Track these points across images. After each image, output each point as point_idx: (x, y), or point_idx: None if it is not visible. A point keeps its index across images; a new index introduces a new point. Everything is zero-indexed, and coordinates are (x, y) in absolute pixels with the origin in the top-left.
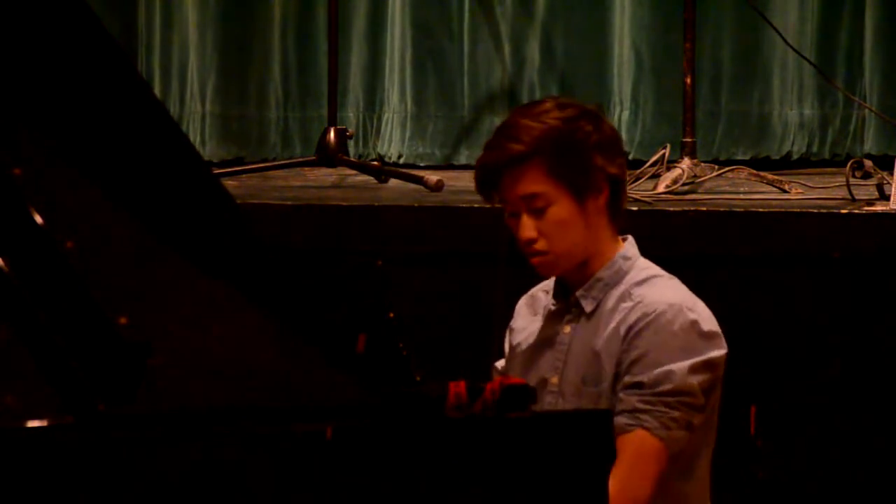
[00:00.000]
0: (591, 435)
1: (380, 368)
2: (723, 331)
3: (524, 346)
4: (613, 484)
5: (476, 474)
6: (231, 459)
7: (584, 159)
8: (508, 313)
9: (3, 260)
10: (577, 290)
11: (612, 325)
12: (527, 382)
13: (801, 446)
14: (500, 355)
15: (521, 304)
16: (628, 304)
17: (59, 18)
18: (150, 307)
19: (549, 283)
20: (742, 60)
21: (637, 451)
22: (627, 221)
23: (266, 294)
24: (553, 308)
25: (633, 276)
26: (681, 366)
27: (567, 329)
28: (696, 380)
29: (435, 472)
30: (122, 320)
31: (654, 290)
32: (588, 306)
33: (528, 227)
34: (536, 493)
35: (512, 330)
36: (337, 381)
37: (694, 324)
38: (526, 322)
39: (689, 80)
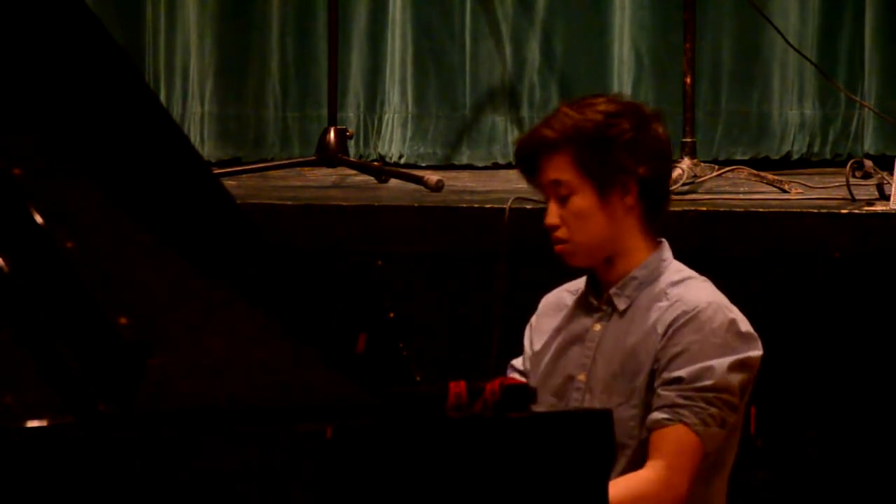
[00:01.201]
0: (592, 435)
1: (380, 368)
2: None
3: (551, 345)
4: (652, 478)
5: (476, 474)
6: (231, 459)
7: (611, 156)
8: (508, 313)
9: (3, 260)
10: (609, 288)
11: (649, 322)
12: (527, 383)
13: (801, 446)
14: (508, 354)
15: (546, 303)
16: (665, 303)
17: (60, 19)
18: (151, 307)
19: (575, 285)
20: (742, 60)
21: (676, 446)
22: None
23: (266, 294)
24: (583, 304)
25: (667, 277)
26: (720, 362)
27: (597, 327)
28: (734, 378)
29: (435, 472)
30: (122, 320)
31: (690, 290)
32: (621, 304)
33: (551, 214)
34: (537, 493)
35: (534, 328)
36: (337, 380)
37: (733, 323)
38: (550, 321)
39: (689, 80)
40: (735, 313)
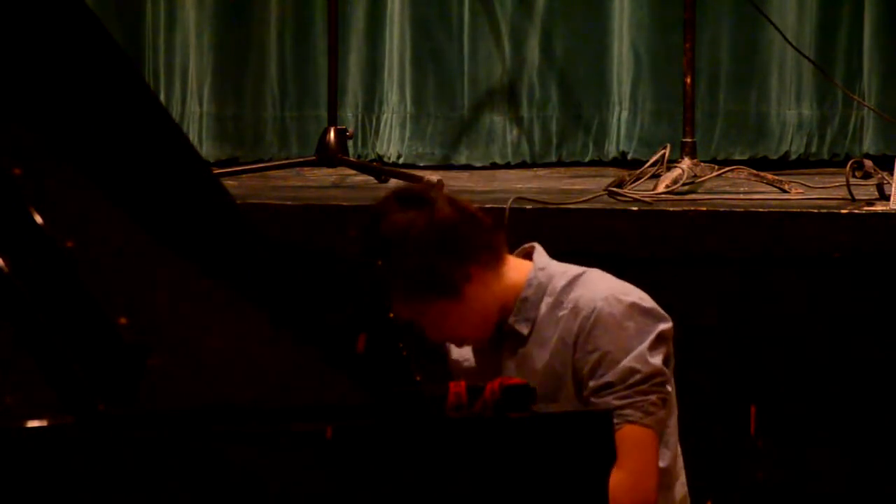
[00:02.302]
0: (592, 435)
1: (380, 368)
2: (723, 331)
3: (469, 378)
4: (621, 483)
5: (476, 474)
6: (231, 459)
7: (439, 272)
8: None
9: (3, 260)
10: (507, 318)
11: (555, 336)
12: (527, 382)
13: (801, 446)
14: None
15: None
16: (563, 311)
17: (59, 19)
18: (151, 307)
19: None
20: (740, 60)
21: (632, 446)
22: (626, 221)
23: (266, 294)
24: (488, 341)
25: (556, 284)
26: (640, 352)
27: (507, 356)
28: (657, 358)
29: (435, 472)
30: (122, 320)
31: (584, 290)
32: (524, 329)
33: (433, 334)
34: (536, 493)
35: (452, 362)
36: (337, 380)
37: (633, 306)
38: (464, 353)
39: (689, 80)
40: (632, 294)
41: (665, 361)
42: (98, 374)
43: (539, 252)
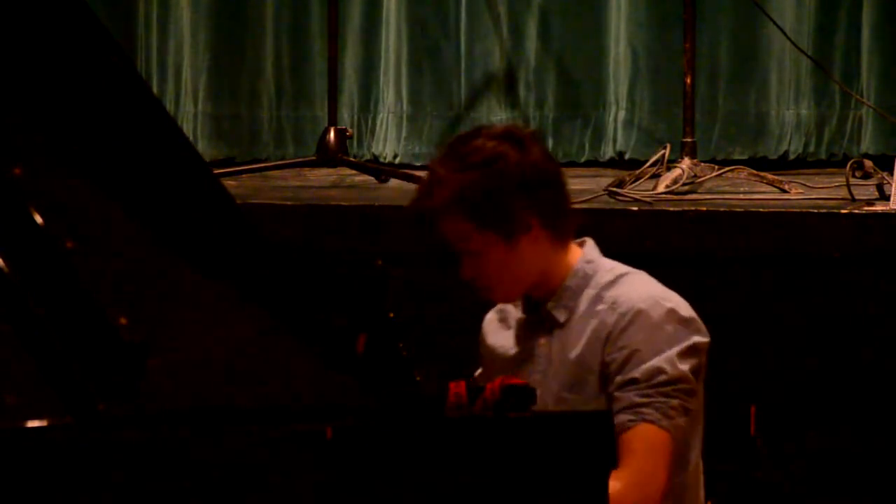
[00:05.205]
0: (592, 436)
1: (380, 368)
2: (723, 331)
3: (502, 362)
4: (628, 480)
5: (476, 474)
6: (231, 459)
7: (504, 204)
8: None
9: (3, 260)
10: (546, 302)
11: (590, 329)
12: (527, 382)
13: (801, 446)
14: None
15: (491, 319)
16: (603, 306)
17: (59, 18)
18: (151, 307)
19: None
20: (739, 60)
21: (645, 445)
22: (626, 221)
23: (266, 294)
24: (525, 322)
25: (600, 279)
26: (670, 355)
27: (542, 341)
28: (686, 366)
29: (435, 472)
30: (122, 320)
31: (626, 289)
32: (561, 316)
33: (465, 268)
34: (537, 493)
35: (485, 346)
36: (337, 381)
37: (672, 312)
38: (499, 337)
39: (688, 80)
40: (673, 301)
41: (694, 372)
42: (98, 374)
43: (590, 245)
